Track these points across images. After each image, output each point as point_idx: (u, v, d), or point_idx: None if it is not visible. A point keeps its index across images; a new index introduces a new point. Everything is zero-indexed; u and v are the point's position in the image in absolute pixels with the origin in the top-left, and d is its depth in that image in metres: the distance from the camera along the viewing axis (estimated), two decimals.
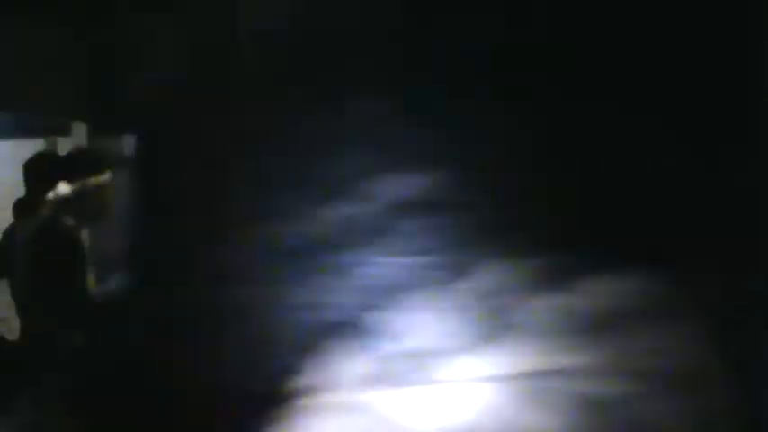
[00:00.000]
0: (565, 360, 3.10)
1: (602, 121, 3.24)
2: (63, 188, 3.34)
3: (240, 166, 3.45)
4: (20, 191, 6.13)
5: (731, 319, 3.10)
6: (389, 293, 3.09)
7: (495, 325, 3.13)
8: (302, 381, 3.10)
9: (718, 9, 3.23)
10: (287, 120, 3.14)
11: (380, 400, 3.00)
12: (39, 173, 4.56)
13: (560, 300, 3.19)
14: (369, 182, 3.10)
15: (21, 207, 5.84)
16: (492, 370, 3.08)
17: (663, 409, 3.00)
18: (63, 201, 3.34)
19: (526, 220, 3.22)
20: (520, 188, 3.23)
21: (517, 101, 3.25)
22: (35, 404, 3.53)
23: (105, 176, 3.41)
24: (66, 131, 8.05)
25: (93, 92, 7.79)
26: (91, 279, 4.88)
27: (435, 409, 2.99)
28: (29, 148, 7.50)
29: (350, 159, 3.14)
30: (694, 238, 3.19)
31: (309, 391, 3.09)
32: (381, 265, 3.09)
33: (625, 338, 3.10)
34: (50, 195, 3.37)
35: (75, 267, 3.38)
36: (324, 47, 3.14)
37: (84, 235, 4.73)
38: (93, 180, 3.36)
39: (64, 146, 7.68)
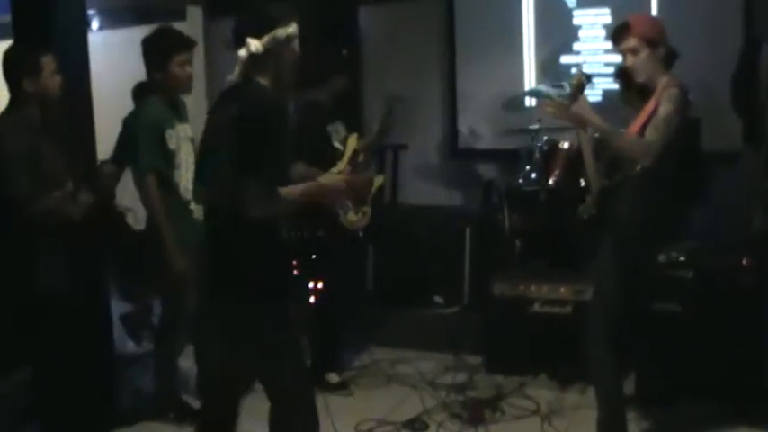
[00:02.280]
0: None
1: None
2: (254, 45, 3.17)
3: None
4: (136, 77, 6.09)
5: None
6: None
7: None
8: None
9: None
10: None
11: None
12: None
13: None
14: None
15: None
16: None
17: None
18: (255, 59, 3.15)
19: None
20: None
21: None
22: None
23: (293, 28, 3.23)
24: (181, 15, 7.95)
25: None
26: None
27: None
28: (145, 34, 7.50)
29: None
30: None
31: None
32: None
33: None
34: (242, 55, 3.17)
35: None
36: None
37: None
38: (282, 32, 3.18)
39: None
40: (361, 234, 4.97)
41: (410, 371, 5.15)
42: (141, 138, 4.38)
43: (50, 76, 4.07)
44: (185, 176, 4.48)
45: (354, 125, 5.35)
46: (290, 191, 3.16)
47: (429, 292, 5.75)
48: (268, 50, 3.11)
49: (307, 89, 5.10)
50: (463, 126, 6.53)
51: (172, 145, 4.43)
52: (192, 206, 4.49)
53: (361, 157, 5.06)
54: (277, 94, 3.20)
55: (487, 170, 6.23)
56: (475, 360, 5.16)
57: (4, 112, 4.07)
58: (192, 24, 7.87)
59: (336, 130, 5.02)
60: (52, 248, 4.05)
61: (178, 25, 7.76)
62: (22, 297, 4.07)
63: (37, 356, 4.17)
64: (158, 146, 4.38)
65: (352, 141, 5.06)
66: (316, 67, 5.04)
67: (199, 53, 7.82)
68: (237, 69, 3.14)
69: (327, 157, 4.87)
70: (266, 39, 3.10)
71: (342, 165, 4.96)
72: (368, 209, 4.99)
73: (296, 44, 3.20)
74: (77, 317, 4.18)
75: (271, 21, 3.13)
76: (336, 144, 4.99)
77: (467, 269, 5.55)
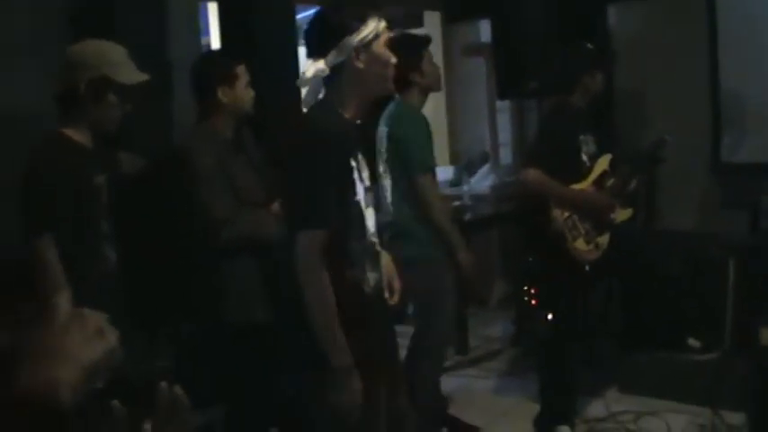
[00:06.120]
0: None
1: None
2: (313, 69, 2.75)
3: None
4: None
5: None
6: None
7: None
8: None
9: None
10: None
11: None
12: None
13: None
14: None
15: None
16: None
17: None
18: (326, 80, 2.72)
19: None
20: None
21: None
22: None
23: (370, 28, 2.73)
24: (419, 21, 7.59)
25: None
26: None
27: None
28: None
29: None
30: None
31: None
32: None
33: None
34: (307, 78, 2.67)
35: None
36: None
37: None
38: (353, 39, 2.73)
39: None
40: (587, 268, 4.28)
41: (657, 427, 4.41)
42: (420, 137, 4.15)
43: (245, 87, 3.71)
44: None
45: (603, 134, 4.67)
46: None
47: (683, 334, 4.90)
48: (337, 67, 2.62)
49: (557, 92, 4.54)
50: (728, 135, 5.66)
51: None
52: None
53: (610, 182, 4.39)
54: (351, 117, 2.72)
55: (757, 188, 5.30)
56: (737, 419, 4.29)
57: (195, 124, 3.73)
58: (429, 30, 7.48)
59: (587, 143, 4.38)
60: (248, 275, 3.68)
61: (416, 31, 7.51)
62: (214, 329, 3.74)
63: (232, 393, 3.83)
64: (431, 146, 4.20)
65: (604, 161, 4.40)
66: (563, 67, 4.48)
67: (438, 59, 7.44)
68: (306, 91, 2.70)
69: (571, 171, 4.29)
70: (332, 54, 2.61)
71: (585, 183, 4.33)
72: (603, 241, 4.30)
73: (378, 46, 2.67)
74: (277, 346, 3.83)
75: (334, 30, 2.63)
76: (584, 158, 4.36)
77: (729, 308, 4.70)
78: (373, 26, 2.65)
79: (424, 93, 4.30)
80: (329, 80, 2.67)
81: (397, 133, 4.18)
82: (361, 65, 2.65)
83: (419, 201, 4.08)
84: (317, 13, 2.77)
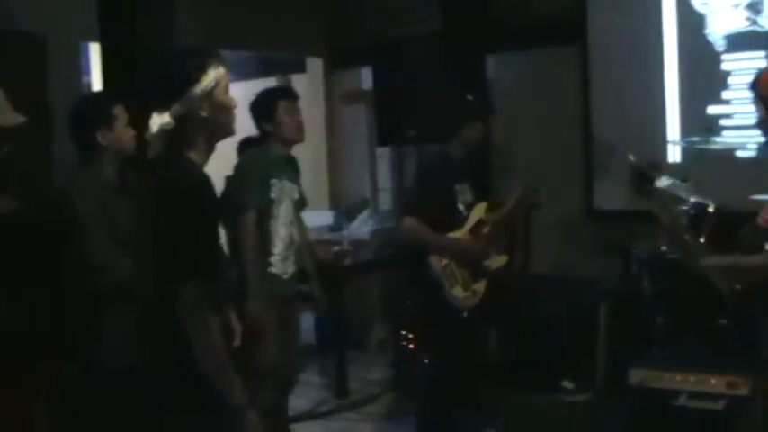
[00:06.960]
0: None
1: None
2: (157, 124, 2.68)
3: None
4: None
5: None
6: None
7: None
8: None
9: None
10: None
11: None
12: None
13: None
14: None
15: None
16: None
17: None
18: (171, 133, 2.69)
19: None
20: None
21: None
22: None
23: (211, 76, 2.70)
24: (301, 68, 7.66)
25: (330, 27, 7.33)
26: None
27: None
28: (262, 87, 7.18)
29: None
30: None
31: None
32: None
33: None
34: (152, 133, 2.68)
35: None
36: None
37: None
38: (197, 89, 2.68)
39: (298, 83, 7.30)
40: (465, 314, 4.37)
41: None
42: (248, 176, 4.22)
43: (124, 128, 3.62)
44: (278, 231, 4.22)
45: (480, 183, 4.79)
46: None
47: (557, 376, 5.04)
48: (182, 118, 2.60)
49: (436, 140, 4.62)
50: (600, 183, 5.88)
51: (273, 194, 4.20)
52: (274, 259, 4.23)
53: (485, 230, 4.49)
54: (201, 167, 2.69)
55: (627, 235, 5.50)
56: None
57: (77, 166, 3.65)
58: (312, 76, 7.57)
59: (463, 192, 4.48)
60: (127, 319, 3.61)
61: (298, 77, 7.60)
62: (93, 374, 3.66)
63: None
64: (262, 188, 4.18)
65: (479, 210, 4.50)
66: (443, 117, 4.59)
67: (319, 105, 7.53)
68: (154, 145, 2.63)
69: (448, 219, 4.37)
70: (176, 106, 2.58)
71: (461, 232, 4.42)
72: (480, 287, 4.40)
73: (220, 93, 2.67)
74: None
75: (175, 83, 2.62)
76: (461, 207, 4.45)
77: (601, 350, 4.86)
78: (213, 74, 2.65)
79: (285, 143, 4.31)
80: (175, 131, 2.64)
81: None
82: (204, 113, 2.64)
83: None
84: (155, 67, 2.81)
